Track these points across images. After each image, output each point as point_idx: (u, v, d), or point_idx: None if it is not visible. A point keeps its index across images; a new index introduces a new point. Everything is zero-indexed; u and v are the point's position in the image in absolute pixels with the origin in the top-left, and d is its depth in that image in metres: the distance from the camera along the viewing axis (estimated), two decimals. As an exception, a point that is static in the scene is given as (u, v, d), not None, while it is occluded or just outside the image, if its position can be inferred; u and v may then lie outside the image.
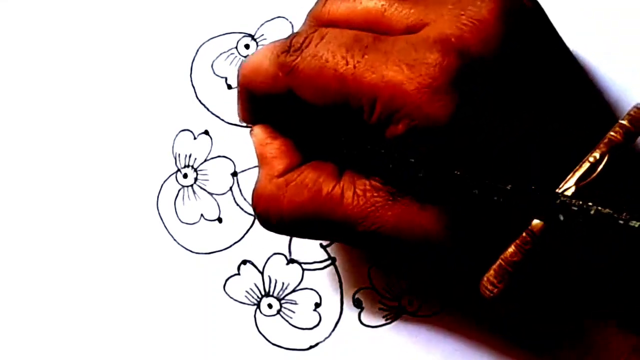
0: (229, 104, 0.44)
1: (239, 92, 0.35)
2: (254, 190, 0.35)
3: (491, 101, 0.26)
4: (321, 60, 0.28)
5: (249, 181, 0.43)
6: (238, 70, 0.35)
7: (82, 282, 0.43)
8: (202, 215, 0.43)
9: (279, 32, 0.44)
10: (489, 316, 0.40)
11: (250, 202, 0.34)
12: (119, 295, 0.43)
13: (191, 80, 0.45)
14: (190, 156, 0.44)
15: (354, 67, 0.27)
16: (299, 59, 0.30)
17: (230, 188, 0.44)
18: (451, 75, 0.25)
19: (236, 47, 0.45)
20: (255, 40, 0.45)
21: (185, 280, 0.43)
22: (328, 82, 0.28)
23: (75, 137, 0.45)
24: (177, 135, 0.44)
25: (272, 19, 0.45)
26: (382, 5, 0.29)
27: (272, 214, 0.34)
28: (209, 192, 0.44)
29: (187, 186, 0.44)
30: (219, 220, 0.43)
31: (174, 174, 0.44)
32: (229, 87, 0.44)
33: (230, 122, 0.44)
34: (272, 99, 0.32)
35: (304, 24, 0.33)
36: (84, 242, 0.44)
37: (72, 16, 0.46)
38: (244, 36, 0.45)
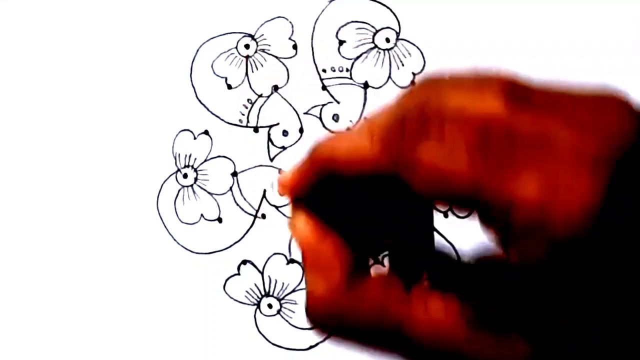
0: (229, 104, 0.44)
1: (306, 166, 0.32)
2: (308, 300, 0.32)
3: None
4: (446, 154, 0.26)
5: (249, 181, 0.43)
6: (314, 146, 0.32)
7: (83, 282, 0.43)
8: (202, 215, 0.43)
9: (279, 32, 0.44)
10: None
11: (305, 310, 0.32)
12: (119, 294, 0.43)
13: (191, 80, 0.45)
14: (190, 156, 0.44)
15: (488, 169, 0.25)
16: (419, 147, 0.27)
17: (230, 188, 0.44)
18: (603, 195, 0.24)
19: (236, 47, 0.45)
20: (255, 40, 0.45)
21: (185, 280, 0.43)
22: (455, 179, 0.26)
23: (76, 137, 0.45)
24: (177, 135, 0.44)
25: (272, 19, 0.45)
26: (503, 109, 0.27)
27: (331, 326, 0.32)
28: (209, 192, 0.44)
29: (187, 186, 0.44)
30: (219, 220, 0.43)
31: (174, 174, 0.44)
32: (229, 87, 0.44)
33: (230, 122, 0.44)
34: (357, 183, 0.30)
35: (397, 103, 0.29)
36: (84, 242, 0.44)
37: (72, 16, 0.46)
38: (244, 36, 0.45)
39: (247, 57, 0.44)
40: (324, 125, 0.44)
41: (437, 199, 0.28)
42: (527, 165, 0.25)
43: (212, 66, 0.44)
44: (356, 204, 0.30)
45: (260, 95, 0.44)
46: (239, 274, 0.43)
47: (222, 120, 0.44)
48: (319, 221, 0.30)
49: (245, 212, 0.43)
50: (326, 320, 0.31)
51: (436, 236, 0.33)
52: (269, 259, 0.43)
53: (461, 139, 0.26)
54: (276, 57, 0.44)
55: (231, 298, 0.43)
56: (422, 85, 0.30)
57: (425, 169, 0.27)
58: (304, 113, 0.44)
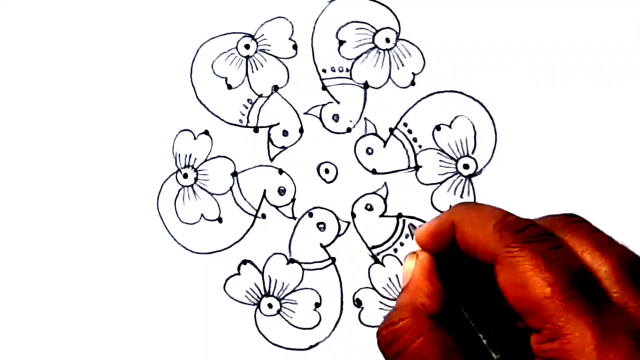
0: (229, 104, 0.44)
1: (446, 222, 0.34)
2: (390, 317, 0.34)
3: None
4: (537, 272, 0.29)
5: (249, 181, 0.43)
6: (457, 205, 0.34)
7: (83, 282, 0.43)
8: (202, 215, 0.43)
9: (279, 32, 0.44)
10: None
11: (380, 331, 0.33)
12: (119, 294, 0.43)
13: (191, 80, 0.45)
14: (190, 156, 0.44)
15: (570, 301, 0.28)
16: (523, 245, 0.30)
17: (230, 188, 0.44)
18: None
19: (236, 47, 0.45)
20: (255, 40, 0.45)
21: (185, 280, 0.43)
22: (532, 299, 0.29)
23: (76, 137, 0.45)
24: (177, 135, 0.44)
25: (272, 19, 0.45)
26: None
27: (398, 354, 0.33)
28: (209, 192, 0.44)
29: (187, 186, 0.44)
30: (219, 220, 0.43)
31: (174, 174, 0.44)
32: (229, 87, 0.44)
33: (230, 122, 0.44)
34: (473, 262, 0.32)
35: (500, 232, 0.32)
36: (85, 242, 0.44)
37: (72, 16, 0.46)
38: (244, 36, 0.45)
39: (247, 57, 0.44)
40: (324, 125, 0.44)
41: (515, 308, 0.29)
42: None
43: (212, 66, 0.44)
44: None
45: (260, 95, 0.44)
46: (239, 273, 0.43)
47: (222, 120, 0.44)
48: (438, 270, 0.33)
49: (245, 212, 0.43)
50: (398, 349, 0.32)
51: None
52: (269, 259, 0.43)
53: (560, 263, 0.28)
54: (276, 57, 0.44)
55: (231, 298, 0.43)
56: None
57: (517, 268, 0.29)
58: (304, 113, 0.44)
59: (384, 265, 0.42)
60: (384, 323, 0.32)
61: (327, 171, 0.43)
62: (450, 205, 0.42)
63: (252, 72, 0.44)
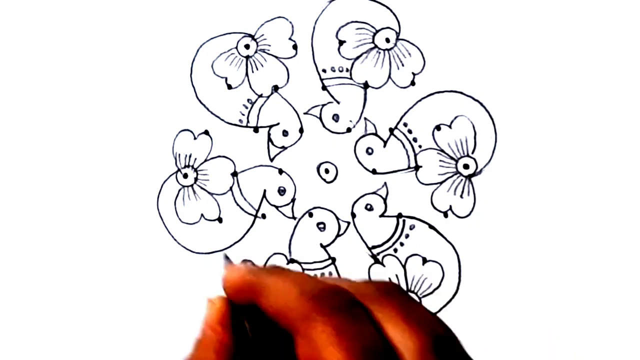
0: (229, 104, 0.44)
1: (250, 283, 0.34)
2: None
3: None
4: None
5: (249, 181, 0.43)
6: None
7: (83, 282, 0.43)
8: (202, 215, 0.43)
9: (279, 32, 0.44)
10: (487, 314, 0.40)
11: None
12: (119, 294, 0.43)
13: (191, 80, 0.45)
14: (190, 156, 0.44)
15: None
16: (322, 318, 0.30)
17: (230, 188, 0.44)
18: None
19: (236, 47, 0.45)
20: (255, 40, 0.45)
21: (185, 280, 0.43)
22: None
23: (76, 137, 0.45)
24: (177, 135, 0.44)
25: (272, 19, 0.45)
26: None
27: None
28: (209, 192, 0.44)
29: (187, 186, 0.44)
30: (219, 220, 0.43)
31: (174, 174, 0.44)
32: (229, 87, 0.44)
33: (230, 122, 0.44)
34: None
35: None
36: (85, 242, 0.44)
37: (72, 16, 0.46)
38: (244, 36, 0.45)
39: (247, 57, 0.45)
40: (324, 125, 0.44)
41: None
42: None
43: (212, 66, 0.44)
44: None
45: (260, 95, 0.44)
46: (239, 274, 0.43)
47: (222, 120, 0.44)
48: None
49: (245, 212, 0.43)
50: None
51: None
52: (269, 259, 0.43)
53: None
54: (276, 57, 0.44)
55: (231, 298, 0.43)
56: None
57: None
58: (304, 113, 0.44)
59: (384, 265, 0.42)
60: None
61: (327, 171, 0.43)
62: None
63: (252, 72, 0.44)
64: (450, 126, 0.43)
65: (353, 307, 0.30)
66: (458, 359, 0.30)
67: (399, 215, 0.42)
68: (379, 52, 0.44)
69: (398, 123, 0.43)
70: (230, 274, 0.34)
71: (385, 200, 0.43)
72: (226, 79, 0.44)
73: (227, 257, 0.42)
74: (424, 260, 0.42)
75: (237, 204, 0.43)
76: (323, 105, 0.44)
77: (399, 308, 0.30)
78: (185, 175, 0.44)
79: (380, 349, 0.28)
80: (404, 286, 0.42)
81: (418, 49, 0.44)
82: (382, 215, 0.42)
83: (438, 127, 0.43)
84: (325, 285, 0.31)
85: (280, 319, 0.31)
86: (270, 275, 0.32)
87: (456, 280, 0.41)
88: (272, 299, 0.31)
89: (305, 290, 0.30)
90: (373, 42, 0.44)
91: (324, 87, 0.44)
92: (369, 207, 0.43)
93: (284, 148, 0.44)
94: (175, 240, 0.43)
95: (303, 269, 0.43)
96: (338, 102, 0.44)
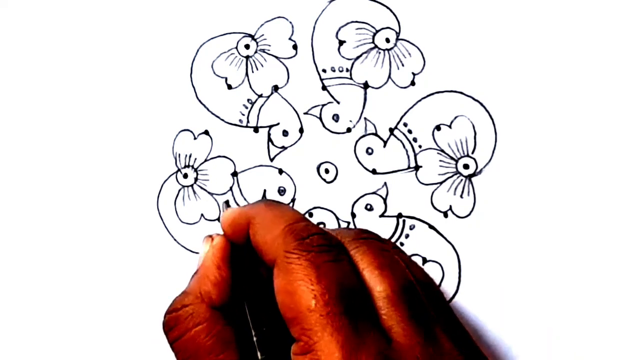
0: (229, 104, 0.44)
1: (244, 215, 0.34)
2: (174, 302, 0.34)
3: None
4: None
5: (249, 181, 0.43)
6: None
7: (83, 282, 0.43)
8: (202, 215, 0.44)
9: (279, 32, 0.44)
10: (485, 313, 0.40)
11: (165, 315, 0.34)
12: (119, 294, 0.43)
13: (191, 80, 0.45)
14: (190, 156, 0.44)
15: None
16: (301, 253, 0.30)
17: (230, 188, 0.44)
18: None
19: (236, 47, 0.45)
20: (255, 40, 0.45)
21: (185, 280, 0.43)
22: (296, 309, 0.29)
23: (76, 137, 0.45)
24: (177, 135, 0.44)
25: (272, 19, 0.45)
26: None
27: (173, 339, 0.33)
28: (209, 192, 0.44)
29: (187, 186, 0.44)
30: (219, 220, 0.43)
31: (174, 174, 0.44)
32: (229, 87, 0.44)
33: (230, 122, 0.44)
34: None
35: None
36: (85, 242, 0.44)
37: (73, 17, 0.46)
38: (244, 36, 0.45)
39: (247, 57, 0.45)
40: (324, 125, 0.44)
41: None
42: None
43: (212, 66, 0.44)
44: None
45: (260, 95, 0.44)
46: (239, 274, 0.43)
47: (222, 120, 0.44)
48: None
49: (245, 212, 0.43)
50: (176, 333, 0.33)
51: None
52: (269, 259, 0.43)
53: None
54: (276, 57, 0.44)
55: (231, 298, 0.43)
56: None
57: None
58: (304, 113, 0.44)
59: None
60: (169, 307, 0.32)
61: (327, 171, 0.43)
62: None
63: (252, 72, 0.44)
64: (450, 126, 0.43)
65: (334, 247, 0.30)
66: (430, 304, 0.30)
67: (399, 216, 0.42)
68: (379, 52, 0.44)
69: (398, 123, 0.43)
70: (228, 211, 0.34)
71: (385, 200, 0.43)
72: (226, 79, 0.44)
73: (227, 203, 0.42)
74: (424, 260, 0.42)
75: (237, 204, 0.43)
76: (323, 105, 0.44)
77: (374, 253, 0.30)
78: (185, 175, 0.44)
79: (355, 288, 0.28)
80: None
81: (418, 49, 0.44)
82: (382, 216, 0.43)
83: (438, 127, 0.43)
84: (310, 224, 0.31)
85: (264, 250, 0.31)
86: (261, 207, 0.33)
87: (456, 280, 0.41)
88: (260, 230, 0.31)
89: (291, 226, 0.30)
90: (373, 42, 0.44)
91: (324, 87, 0.44)
92: (369, 207, 0.43)
93: (284, 148, 0.44)
94: (175, 240, 0.43)
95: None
96: (338, 102, 0.44)
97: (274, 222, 0.31)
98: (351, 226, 0.43)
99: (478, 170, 0.42)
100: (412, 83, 0.43)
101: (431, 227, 0.42)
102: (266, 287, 0.31)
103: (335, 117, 0.44)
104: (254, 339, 0.31)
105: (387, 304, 0.28)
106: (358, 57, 0.44)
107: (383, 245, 0.32)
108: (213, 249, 0.34)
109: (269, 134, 0.44)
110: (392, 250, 0.32)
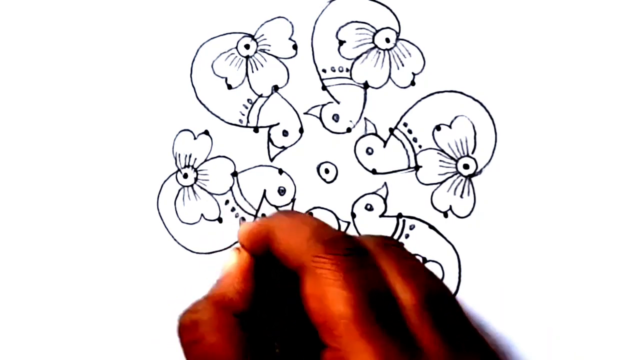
0: (229, 104, 0.44)
1: (263, 227, 0.34)
2: (194, 305, 0.34)
3: None
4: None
5: (249, 181, 0.43)
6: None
7: (82, 282, 0.43)
8: (202, 215, 0.44)
9: (279, 32, 0.44)
10: (483, 314, 0.40)
11: (181, 316, 0.34)
12: (119, 294, 0.43)
13: (191, 80, 0.45)
14: (190, 156, 0.44)
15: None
16: (330, 258, 0.30)
17: (230, 188, 0.44)
18: None
19: (236, 47, 0.45)
20: (255, 40, 0.45)
21: (185, 280, 0.43)
22: (327, 314, 0.29)
23: (76, 137, 0.45)
24: (177, 135, 0.44)
25: (272, 19, 0.45)
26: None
27: (193, 347, 0.33)
28: (209, 192, 0.44)
29: (187, 186, 0.44)
30: (219, 220, 0.43)
31: (174, 174, 0.44)
32: (229, 87, 0.44)
33: (230, 122, 0.44)
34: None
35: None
36: (85, 242, 0.44)
37: (73, 17, 0.46)
38: (244, 36, 0.45)
39: (247, 57, 0.45)
40: (324, 125, 0.44)
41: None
42: None
43: (212, 66, 0.44)
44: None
45: (260, 95, 0.44)
46: (239, 274, 0.43)
47: (222, 120, 0.44)
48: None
49: (246, 212, 0.43)
50: (195, 338, 0.32)
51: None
52: (269, 259, 0.43)
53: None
54: (276, 57, 0.44)
55: (231, 298, 0.43)
56: None
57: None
58: (304, 113, 0.44)
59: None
60: (188, 309, 0.32)
61: (327, 171, 0.43)
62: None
63: (252, 72, 0.44)
64: (450, 126, 0.43)
65: (361, 252, 0.29)
66: (451, 313, 0.30)
67: (399, 216, 0.42)
68: (379, 52, 0.44)
69: (398, 123, 0.43)
70: (244, 225, 0.34)
71: (385, 200, 0.43)
72: (226, 79, 0.44)
73: (243, 219, 0.42)
74: (424, 260, 0.42)
75: (237, 204, 0.43)
76: (323, 105, 0.44)
77: (397, 261, 0.30)
78: (185, 175, 0.44)
79: (385, 295, 0.28)
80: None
81: (418, 49, 0.44)
82: (382, 216, 0.43)
83: (438, 127, 0.43)
84: (335, 231, 0.31)
85: (290, 257, 0.30)
86: (282, 216, 0.32)
87: (456, 280, 0.41)
88: (284, 238, 0.31)
89: (317, 232, 0.30)
90: (373, 42, 0.44)
91: (324, 87, 0.44)
92: (369, 207, 0.43)
93: (284, 148, 0.44)
94: (175, 240, 0.43)
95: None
96: (338, 102, 0.44)
97: (299, 228, 0.31)
98: (351, 226, 0.43)
99: (478, 170, 0.42)
100: (412, 83, 0.43)
101: (431, 227, 0.42)
102: (286, 298, 0.31)
103: (335, 117, 0.44)
104: (276, 350, 0.31)
105: (414, 313, 0.28)
106: (358, 57, 0.44)
107: (407, 253, 0.32)
108: (240, 259, 0.34)
109: (269, 134, 0.44)
110: (416, 259, 0.32)
